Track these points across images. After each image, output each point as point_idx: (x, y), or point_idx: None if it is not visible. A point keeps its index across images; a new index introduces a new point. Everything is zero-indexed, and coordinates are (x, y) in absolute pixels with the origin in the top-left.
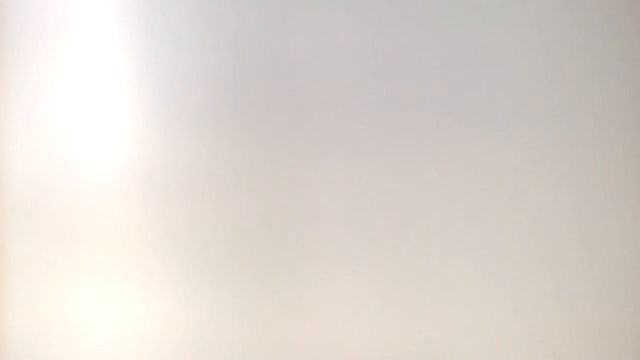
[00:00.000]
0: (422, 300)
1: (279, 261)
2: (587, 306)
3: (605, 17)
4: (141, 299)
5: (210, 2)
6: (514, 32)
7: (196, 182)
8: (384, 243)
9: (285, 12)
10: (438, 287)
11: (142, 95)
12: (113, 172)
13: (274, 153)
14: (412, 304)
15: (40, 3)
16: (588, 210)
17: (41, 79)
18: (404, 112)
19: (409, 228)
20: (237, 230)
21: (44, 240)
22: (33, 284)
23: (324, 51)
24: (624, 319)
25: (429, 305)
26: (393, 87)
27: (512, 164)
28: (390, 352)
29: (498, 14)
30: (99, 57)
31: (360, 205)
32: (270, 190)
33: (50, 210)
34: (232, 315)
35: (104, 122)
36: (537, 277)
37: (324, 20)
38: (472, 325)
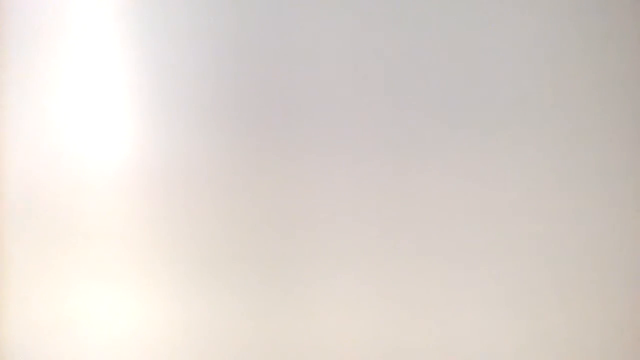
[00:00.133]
0: (423, 300)
1: (280, 261)
2: (587, 306)
3: (605, 17)
4: (141, 299)
5: (210, 2)
6: (514, 32)
7: (196, 182)
8: (385, 243)
9: (285, 12)
10: (439, 286)
11: (142, 95)
12: (113, 172)
13: (274, 153)
14: (413, 303)
15: (40, 3)
16: (588, 210)
17: (41, 78)
18: (404, 112)
19: (410, 228)
20: (238, 230)
21: (44, 240)
22: (33, 284)
23: (324, 51)
24: (625, 320)
25: (430, 305)
26: (393, 87)
27: (512, 164)
28: (391, 352)
29: (498, 15)
30: (99, 57)
31: (361, 205)
32: (270, 189)
33: (50, 210)
34: (232, 315)
35: (104, 122)
36: (538, 277)
37: (324, 21)
38: (473, 325)
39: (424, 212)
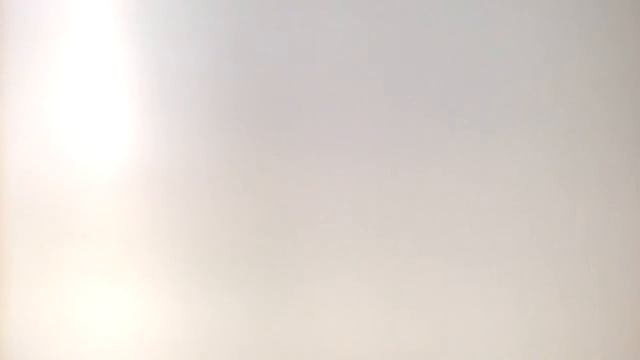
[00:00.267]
0: (423, 300)
1: (280, 261)
2: (588, 306)
3: (605, 17)
4: (141, 299)
5: (210, 2)
6: (513, 32)
7: (196, 182)
8: (385, 243)
9: (285, 12)
10: (439, 286)
11: (142, 95)
12: (113, 172)
13: (274, 153)
14: (413, 303)
15: (40, 3)
16: (588, 209)
17: (41, 78)
18: (404, 112)
19: (410, 228)
20: (238, 230)
21: (44, 240)
22: (33, 284)
23: (324, 51)
24: (626, 320)
25: (430, 305)
26: (393, 87)
27: (512, 164)
28: (391, 352)
29: (498, 14)
30: (99, 57)
31: (361, 205)
32: (270, 189)
33: (50, 210)
34: (232, 314)
35: (104, 122)
36: (538, 276)
37: (324, 21)
38: (473, 324)
39: (423, 212)
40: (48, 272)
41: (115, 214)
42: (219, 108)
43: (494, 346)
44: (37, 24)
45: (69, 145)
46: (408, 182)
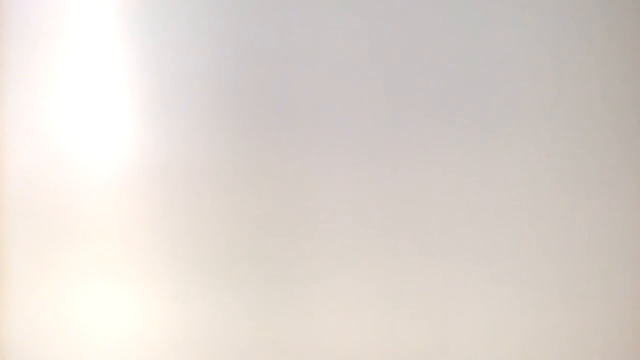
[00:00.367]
0: (423, 300)
1: (280, 261)
2: (589, 305)
3: (606, 17)
4: (141, 298)
5: (210, 2)
6: (513, 32)
7: (196, 181)
8: (385, 243)
9: (285, 13)
10: (439, 286)
11: (142, 95)
12: (113, 172)
13: (274, 152)
14: (413, 303)
15: (40, 3)
16: (589, 208)
17: (41, 78)
18: (404, 112)
19: (410, 227)
20: (238, 230)
21: (44, 240)
22: (33, 284)
23: (324, 51)
24: (626, 318)
25: (430, 305)
26: (393, 87)
27: (513, 163)
28: (391, 352)
29: (498, 14)
30: (99, 57)
31: (361, 205)
32: (270, 189)
33: (50, 210)
34: (232, 314)
35: (104, 122)
36: (539, 276)
37: (324, 21)
38: (473, 324)
39: (423, 211)
40: (48, 272)
41: (115, 214)
42: (219, 108)
43: (494, 346)
44: (37, 24)
45: (69, 145)
46: (408, 182)
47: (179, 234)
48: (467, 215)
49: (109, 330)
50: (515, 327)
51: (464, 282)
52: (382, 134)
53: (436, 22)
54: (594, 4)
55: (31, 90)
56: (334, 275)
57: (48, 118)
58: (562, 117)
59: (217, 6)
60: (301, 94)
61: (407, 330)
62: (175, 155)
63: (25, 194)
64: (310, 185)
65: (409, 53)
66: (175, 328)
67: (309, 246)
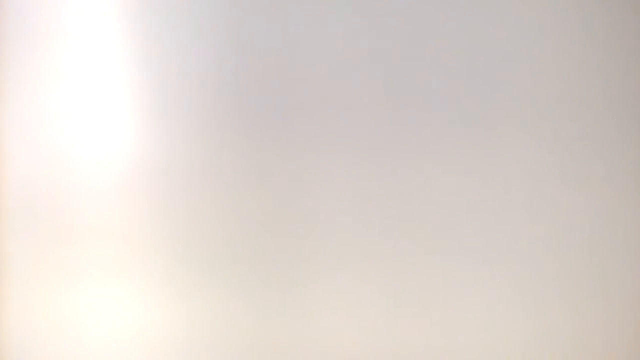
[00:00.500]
0: (424, 300)
1: (281, 260)
2: (590, 304)
3: (607, 16)
4: (142, 299)
5: (210, 2)
6: (515, 30)
7: (197, 181)
8: (385, 242)
9: (285, 13)
10: (440, 286)
11: (142, 95)
12: (113, 172)
13: (274, 153)
14: (414, 303)
15: (39, 3)
16: (590, 207)
17: (41, 78)
18: (405, 112)
19: (411, 227)
20: (238, 230)
21: (44, 240)
22: (33, 284)
23: (324, 51)
24: (627, 319)
25: (430, 304)
26: (393, 87)
27: (514, 162)
28: (391, 352)
29: (499, 13)
30: (99, 56)
31: (361, 205)
32: (270, 189)
33: (50, 210)
34: (233, 314)
35: (103, 121)
36: (540, 275)
37: (324, 21)
38: (474, 324)
39: (424, 211)
40: (48, 272)
41: (116, 214)
42: (219, 108)
43: (495, 345)
44: (36, 23)
45: (69, 145)
46: (408, 182)
47: (179, 234)
48: (468, 215)
49: (109, 330)
50: (516, 326)
51: (464, 281)
52: (382, 133)
53: (436, 21)
54: (596, 2)
55: (31, 90)
56: (334, 275)
57: (48, 118)
58: (563, 117)
59: (217, 6)
60: (301, 94)
61: (408, 330)
62: (175, 155)
63: (25, 194)
64: (310, 185)
65: (409, 53)
66: (175, 328)
67: (309, 246)
